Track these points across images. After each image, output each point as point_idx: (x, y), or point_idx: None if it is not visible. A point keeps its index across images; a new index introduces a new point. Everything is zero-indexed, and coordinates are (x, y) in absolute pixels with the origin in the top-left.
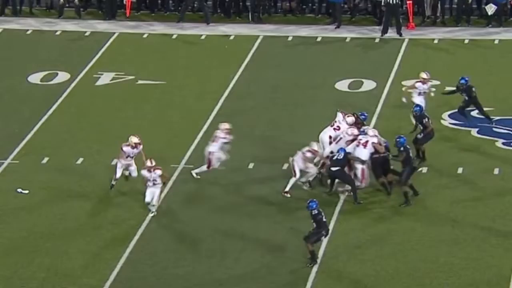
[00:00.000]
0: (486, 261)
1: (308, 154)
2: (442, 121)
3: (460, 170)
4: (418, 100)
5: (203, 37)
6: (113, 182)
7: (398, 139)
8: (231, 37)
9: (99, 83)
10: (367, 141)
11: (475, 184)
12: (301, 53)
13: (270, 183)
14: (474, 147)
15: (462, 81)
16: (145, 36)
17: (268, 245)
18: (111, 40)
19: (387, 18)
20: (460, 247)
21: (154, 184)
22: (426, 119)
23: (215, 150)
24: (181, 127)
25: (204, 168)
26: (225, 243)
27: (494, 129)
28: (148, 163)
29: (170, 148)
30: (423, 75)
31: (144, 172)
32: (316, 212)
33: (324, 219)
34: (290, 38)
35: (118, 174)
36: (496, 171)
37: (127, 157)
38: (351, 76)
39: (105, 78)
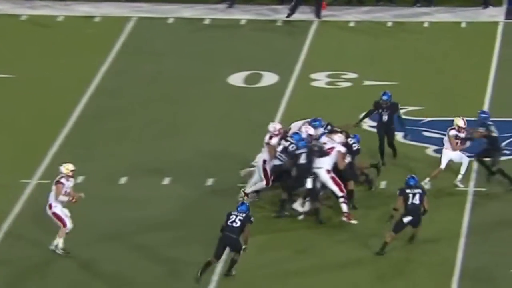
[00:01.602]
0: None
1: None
2: (362, 123)
3: (383, 185)
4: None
5: (60, 18)
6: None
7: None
8: (96, 19)
9: None
10: (332, 148)
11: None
12: (185, 39)
13: (148, 204)
14: (400, 155)
15: (385, 97)
16: None
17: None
18: None
19: None
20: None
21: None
22: None
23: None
24: (34, 133)
25: (262, 184)
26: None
27: (424, 133)
28: (71, 167)
29: (20, 159)
30: (460, 122)
31: (64, 180)
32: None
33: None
34: (170, 21)
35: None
36: (425, 182)
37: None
38: (248, 68)
39: None
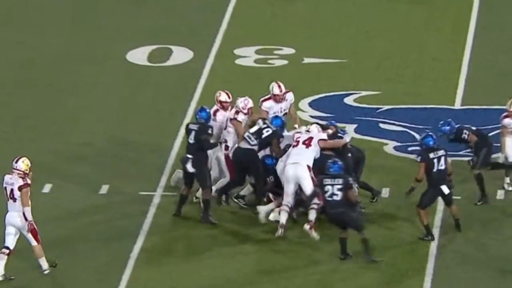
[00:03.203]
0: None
1: None
2: (301, 113)
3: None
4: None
5: None
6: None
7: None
8: None
9: None
10: (310, 138)
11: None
12: (66, 5)
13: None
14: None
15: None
16: None
17: None
18: None
19: None
20: None
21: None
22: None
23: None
24: None
25: (227, 179)
26: None
27: (382, 125)
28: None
29: None
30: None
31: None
32: None
33: None
34: None
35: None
36: (385, 192)
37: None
38: (152, 41)
39: None
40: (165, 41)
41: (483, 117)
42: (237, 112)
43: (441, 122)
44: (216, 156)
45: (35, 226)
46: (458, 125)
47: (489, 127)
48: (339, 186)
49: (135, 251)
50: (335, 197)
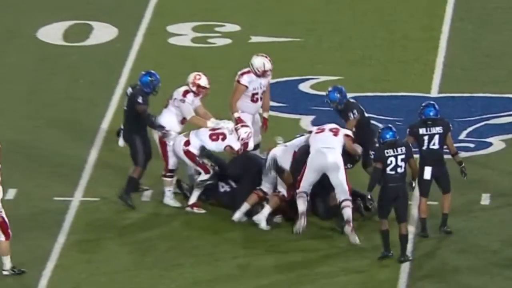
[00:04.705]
0: None
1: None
2: None
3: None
4: None
5: None
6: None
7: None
8: None
9: None
10: (337, 128)
11: None
12: None
13: None
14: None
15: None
16: None
17: None
18: None
19: None
20: None
21: None
22: None
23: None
24: None
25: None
26: None
27: None
28: None
29: None
30: None
31: None
32: None
33: None
34: None
35: None
36: None
37: None
38: (68, 16)
39: None
40: (84, 16)
41: (465, 106)
42: (187, 91)
43: (331, 88)
44: (178, 153)
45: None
46: (353, 100)
47: (472, 118)
48: (403, 156)
49: (48, 268)
50: (399, 170)
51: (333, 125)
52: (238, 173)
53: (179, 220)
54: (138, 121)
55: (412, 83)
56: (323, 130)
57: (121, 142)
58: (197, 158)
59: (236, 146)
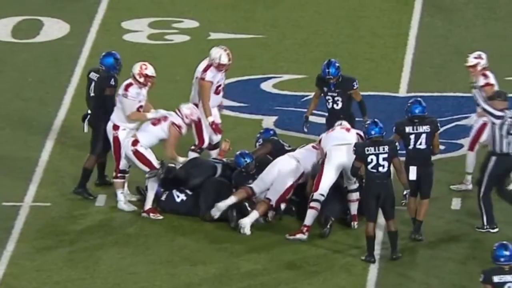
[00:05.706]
0: None
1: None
2: None
3: None
4: None
5: None
6: None
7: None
8: None
9: None
10: (348, 127)
11: None
12: None
13: None
14: None
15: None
16: None
17: None
18: None
19: None
20: None
21: None
22: None
23: None
24: None
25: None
26: None
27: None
28: None
29: None
30: None
31: None
32: None
33: None
34: None
35: None
36: None
37: None
38: (17, 11)
39: None
40: (34, 12)
41: (435, 106)
42: (129, 84)
43: (326, 62)
44: (126, 151)
45: None
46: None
47: (443, 119)
48: (385, 155)
49: None
50: (380, 169)
51: (342, 123)
52: (200, 181)
53: (134, 226)
54: (106, 107)
55: (379, 82)
56: (333, 129)
57: (86, 128)
58: (145, 156)
59: (180, 122)
